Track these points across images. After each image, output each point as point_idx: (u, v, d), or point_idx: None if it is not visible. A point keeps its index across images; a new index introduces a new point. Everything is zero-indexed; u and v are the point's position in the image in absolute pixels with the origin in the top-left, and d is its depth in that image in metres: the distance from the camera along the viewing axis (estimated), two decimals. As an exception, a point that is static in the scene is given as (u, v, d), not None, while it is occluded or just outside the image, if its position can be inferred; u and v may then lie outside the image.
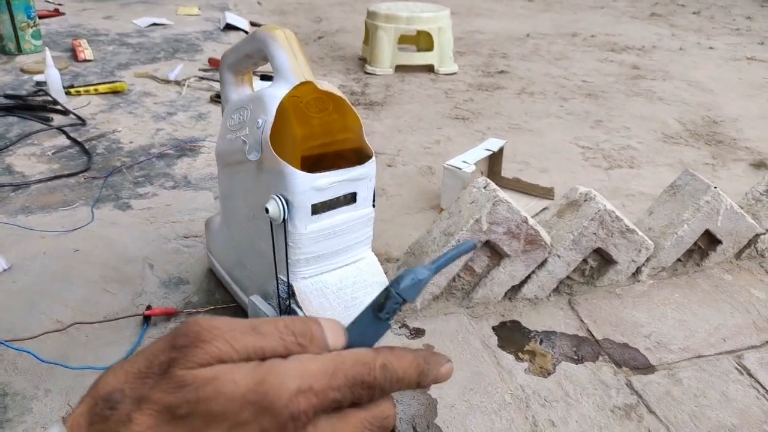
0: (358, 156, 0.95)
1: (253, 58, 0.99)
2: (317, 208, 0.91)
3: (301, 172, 0.87)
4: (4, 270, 1.23)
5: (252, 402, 0.30)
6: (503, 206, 1.15)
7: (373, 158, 0.95)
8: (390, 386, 0.33)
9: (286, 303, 0.97)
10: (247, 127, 0.93)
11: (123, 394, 0.30)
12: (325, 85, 0.93)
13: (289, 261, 0.94)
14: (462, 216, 1.20)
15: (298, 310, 0.95)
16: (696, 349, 1.14)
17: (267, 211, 0.89)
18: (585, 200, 1.25)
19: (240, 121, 0.96)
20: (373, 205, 1.00)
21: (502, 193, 1.17)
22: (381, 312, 0.34)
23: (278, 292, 0.98)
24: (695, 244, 1.33)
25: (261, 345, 0.32)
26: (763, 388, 1.05)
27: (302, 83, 0.90)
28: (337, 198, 0.93)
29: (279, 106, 0.89)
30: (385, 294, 0.34)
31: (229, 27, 3.46)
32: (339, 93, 0.93)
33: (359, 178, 0.93)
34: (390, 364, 0.33)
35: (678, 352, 1.13)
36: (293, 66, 0.90)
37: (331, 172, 0.90)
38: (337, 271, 0.99)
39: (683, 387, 1.05)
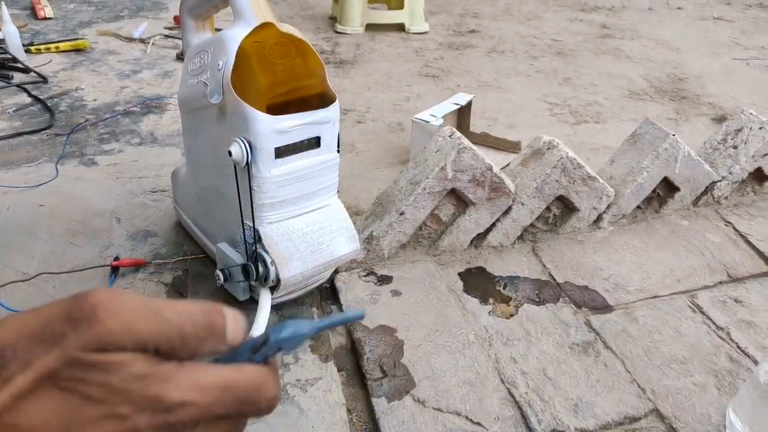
0: (322, 101, 0.95)
1: (212, 0, 0.97)
2: (281, 152, 0.91)
3: (264, 114, 0.87)
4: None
5: (134, 400, 0.30)
6: (468, 153, 1.17)
7: (337, 102, 0.95)
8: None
9: (253, 248, 0.98)
10: (208, 70, 0.92)
11: (15, 352, 0.29)
12: (286, 27, 0.93)
13: (254, 205, 0.94)
14: (428, 164, 1.21)
15: (264, 254, 0.96)
16: (652, 290, 1.19)
17: (230, 154, 0.89)
18: (548, 149, 1.27)
19: (201, 64, 0.95)
20: (338, 151, 1.01)
21: (467, 141, 1.19)
22: (255, 353, 0.34)
23: (245, 238, 0.99)
24: (654, 191, 1.37)
25: (159, 332, 0.31)
26: (714, 324, 1.10)
27: (263, 25, 0.90)
28: (301, 142, 0.93)
29: (242, 52, 0.89)
30: (264, 338, 0.34)
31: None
32: (300, 35, 0.93)
33: (322, 121, 0.94)
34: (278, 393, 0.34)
35: (635, 293, 1.18)
36: (253, 6, 0.89)
37: (294, 114, 0.90)
38: (303, 217, 1.00)
39: (639, 325, 1.10)
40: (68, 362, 0.29)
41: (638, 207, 1.38)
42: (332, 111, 0.94)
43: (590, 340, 1.06)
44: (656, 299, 1.16)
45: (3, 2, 2.25)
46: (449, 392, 0.94)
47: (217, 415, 0.32)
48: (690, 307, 1.14)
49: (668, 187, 1.38)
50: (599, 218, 1.35)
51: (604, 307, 1.14)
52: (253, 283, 0.99)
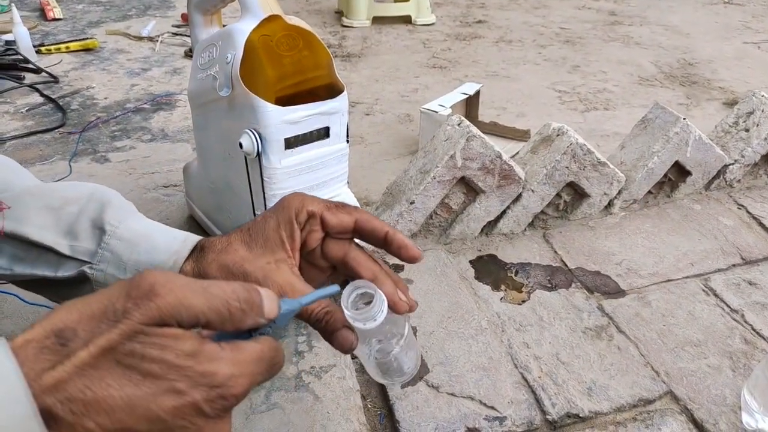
0: (330, 92, 0.96)
1: (220, -6, 0.98)
2: (291, 143, 0.92)
3: (273, 105, 0.87)
4: None
5: (189, 376, 0.33)
6: (477, 141, 1.17)
7: (345, 92, 0.96)
8: None
9: (265, 239, 0.98)
10: (217, 64, 0.93)
11: (75, 332, 0.31)
12: (294, 20, 0.93)
13: (265, 196, 0.95)
14: (437, 153, 1.21)
15: (276, 245, 0.96)
16: (665, 274, 1.18)
17: (241, 145, 0.90)
18: (557, 135, 1.27)
19: (209, 58, 0.96)
20: (347, 141, 1.01)
21: (476, 129, 1.19)
22: (254, 331, 0.39)
23: (257, 229, 0.99)
24: (666, 176, 1.37)
25: (209, 306, 0.34)
26: (728, 306, 1.10)
27: (270, 18, 0.90)
28: (311, 132, 0.94)
29: (250, 45, 0.90)
30: None
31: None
32: (308, 27, 0.93)
33: (331, 112, 0.94)
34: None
35: (648, 277, 1.18)
36: (260, 0, 0.90)
37: (303, 105, 0.91)
38: (314, 207, 1.01)
39: (652, 308, 1.09)
40: (130, 336, 0.31)
41: (650, 192, 1.37)
42: (340, 101, 0.95)
43: (603, 324, 1.06)
44: (669, 283, 1.16)
45: (13, 6, 2.27)
46: (463, 377, 0.94)
47: (259, 382, 0.36)
48: (703, 290, 1.14)
49: (680, 171, 1.37)
50: (610, 204, 1.34)
51: (617, 292, 1.14)
52: (266, 273, 1.00)
